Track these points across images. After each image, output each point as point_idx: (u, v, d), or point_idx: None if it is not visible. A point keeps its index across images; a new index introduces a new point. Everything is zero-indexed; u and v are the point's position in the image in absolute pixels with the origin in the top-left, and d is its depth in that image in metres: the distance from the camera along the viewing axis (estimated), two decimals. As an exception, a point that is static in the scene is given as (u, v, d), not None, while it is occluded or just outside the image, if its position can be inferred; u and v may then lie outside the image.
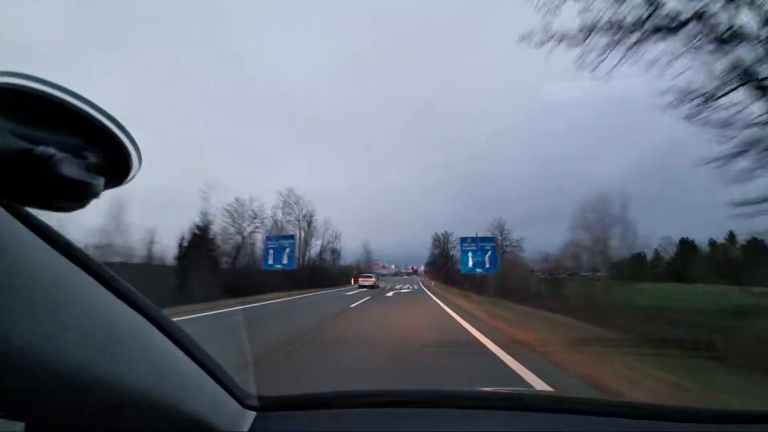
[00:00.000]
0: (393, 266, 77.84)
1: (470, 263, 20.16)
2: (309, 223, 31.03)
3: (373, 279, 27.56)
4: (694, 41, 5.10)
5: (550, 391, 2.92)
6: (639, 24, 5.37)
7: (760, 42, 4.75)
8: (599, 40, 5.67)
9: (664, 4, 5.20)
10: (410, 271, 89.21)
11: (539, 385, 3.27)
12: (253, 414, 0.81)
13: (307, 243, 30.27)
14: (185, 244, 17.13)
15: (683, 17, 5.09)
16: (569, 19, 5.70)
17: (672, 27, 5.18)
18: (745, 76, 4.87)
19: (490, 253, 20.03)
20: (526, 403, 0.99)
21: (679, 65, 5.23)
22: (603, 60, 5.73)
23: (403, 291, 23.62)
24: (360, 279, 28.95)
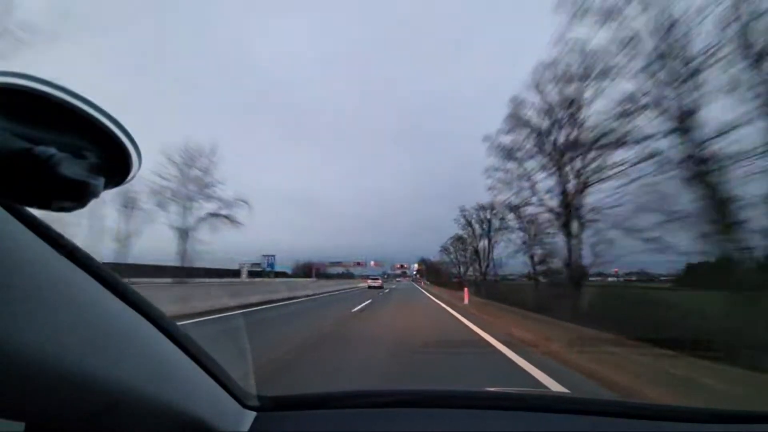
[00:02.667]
0: (372, 262, 65.84)
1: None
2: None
3: (379, 281, 36.25)
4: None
5: (552, 391, 2.92)
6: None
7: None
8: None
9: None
10: (398, 271, 77.11)
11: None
12: (253, 414, 0.81)
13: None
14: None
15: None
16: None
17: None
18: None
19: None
20: (528, 403, 0.99)
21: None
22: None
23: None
24: (368, 281, 36.18)
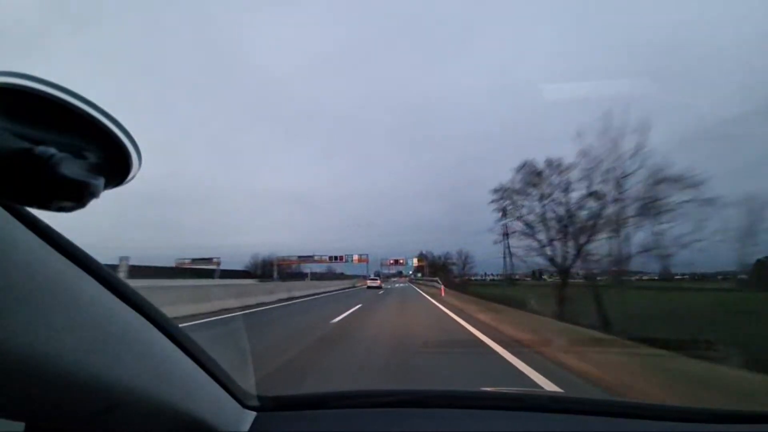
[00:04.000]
0: (356, 257, 52.77)
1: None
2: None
3: (378, 281, 34.05)
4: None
5: (551, 391, 2.92)
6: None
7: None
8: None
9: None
10: (391, 269, 60.67)
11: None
12: (253, 414, 0.81)
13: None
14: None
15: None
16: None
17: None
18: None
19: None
20: (527, 403, 0.99)
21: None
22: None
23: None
24: (368, 281, 34.14)
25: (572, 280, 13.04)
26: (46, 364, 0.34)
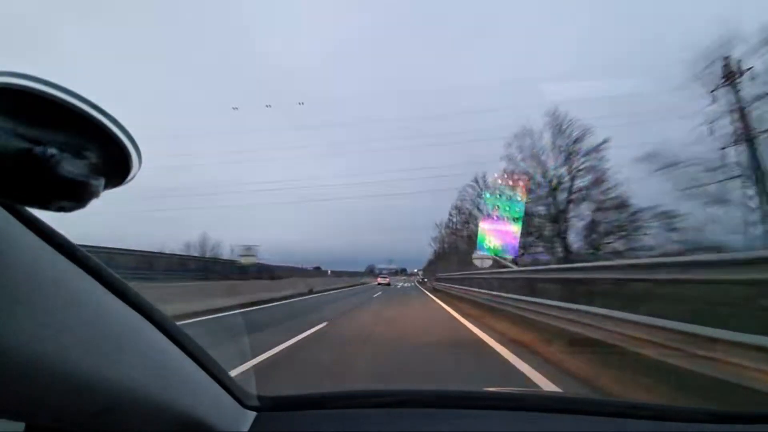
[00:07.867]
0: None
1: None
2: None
3: (388, 279, 37.42)
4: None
5: (551, 391, 2.93)
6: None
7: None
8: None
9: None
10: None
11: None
12: (253, 414, 0.81)
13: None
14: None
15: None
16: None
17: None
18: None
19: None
20: (527, 403, 0.99)
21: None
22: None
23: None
24: (378, 279, 37.95)
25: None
26: (46, 364, 0.34)
